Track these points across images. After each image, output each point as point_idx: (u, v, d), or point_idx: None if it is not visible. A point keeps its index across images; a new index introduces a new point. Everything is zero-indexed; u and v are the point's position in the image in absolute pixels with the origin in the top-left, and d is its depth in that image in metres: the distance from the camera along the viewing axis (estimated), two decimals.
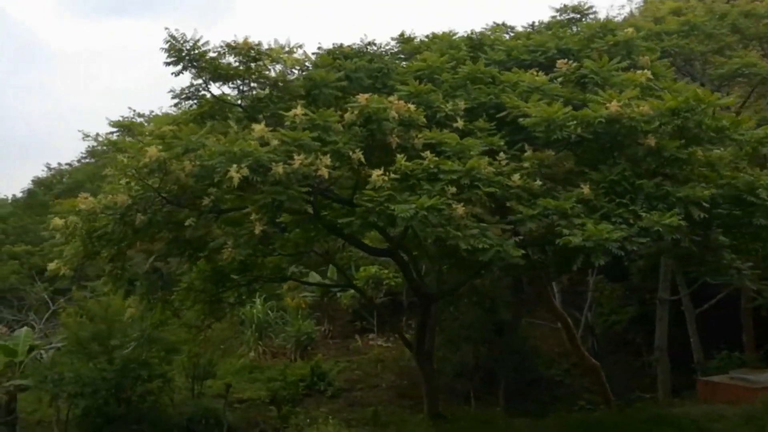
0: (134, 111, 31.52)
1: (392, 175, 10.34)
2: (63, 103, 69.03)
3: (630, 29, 14.50)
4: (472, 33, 15.27)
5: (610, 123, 11.03)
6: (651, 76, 12.45)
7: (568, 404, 18.48)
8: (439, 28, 15.73)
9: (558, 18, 16.94)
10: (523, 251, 10.14)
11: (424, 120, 11.40)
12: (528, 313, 22.21)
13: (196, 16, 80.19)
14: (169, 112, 21.97)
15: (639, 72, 12.45)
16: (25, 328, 21.32)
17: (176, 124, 12.65)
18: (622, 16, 25.47)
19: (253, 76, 12.15)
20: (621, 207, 10.80)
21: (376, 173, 10.28)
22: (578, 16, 16.84)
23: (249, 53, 12.18)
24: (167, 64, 12.01)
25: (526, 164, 10.99)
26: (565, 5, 17.00)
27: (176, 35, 11.93)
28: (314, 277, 22.65)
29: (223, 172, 9.90)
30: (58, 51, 76.35)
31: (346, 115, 11.21)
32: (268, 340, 24.03)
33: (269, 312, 24.24)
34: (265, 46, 12.28)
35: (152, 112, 32.05)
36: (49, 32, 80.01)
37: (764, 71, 18.56)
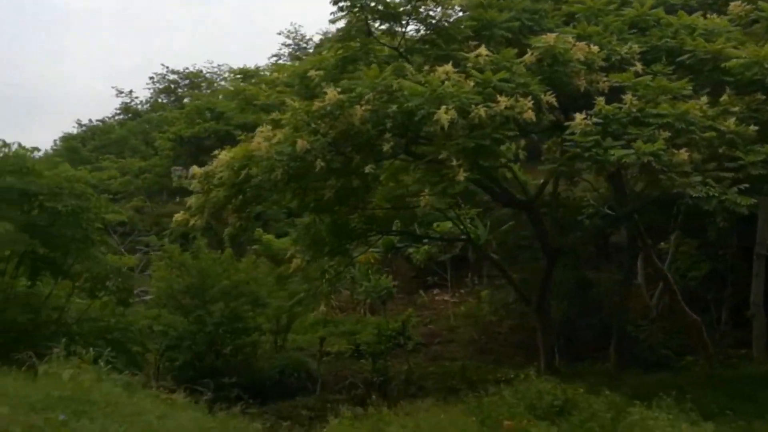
0: (167, 68, 31.10)
1: (594, 119, 9.83)
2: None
3: None
4: None
5: None
6: None
7: (668, 361, 18.27)
8: None
9: None
10: (754, 199, 9.66)
11: (604, 62, 10.88)
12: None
13: None
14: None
15: None
16: None
17: (319, 69, 12.04)
18: None
19: (421, 16, 11.47)
20: None
21: (579, 117, 9.77)
22: None
23: None
24: (334, 2, 11.33)
25: (734, 108, 10.43)
26: None
27: None
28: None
29: (426, 114, 9.35)
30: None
31: (526, 57, 10.66)
32: (338, 295, 23.64)
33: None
34: None
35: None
36: None
37: None
